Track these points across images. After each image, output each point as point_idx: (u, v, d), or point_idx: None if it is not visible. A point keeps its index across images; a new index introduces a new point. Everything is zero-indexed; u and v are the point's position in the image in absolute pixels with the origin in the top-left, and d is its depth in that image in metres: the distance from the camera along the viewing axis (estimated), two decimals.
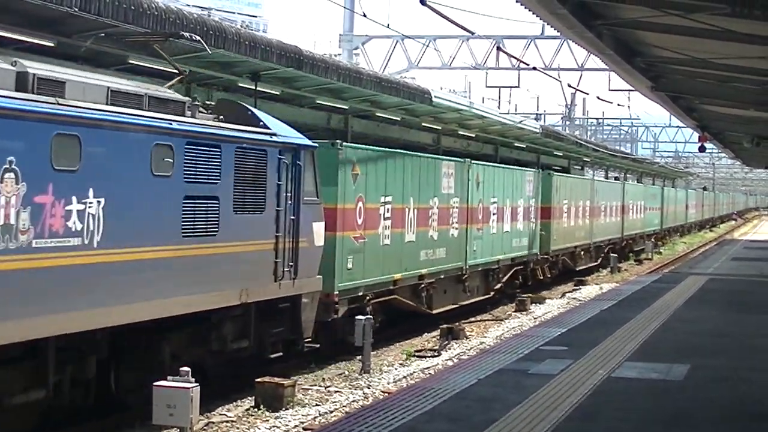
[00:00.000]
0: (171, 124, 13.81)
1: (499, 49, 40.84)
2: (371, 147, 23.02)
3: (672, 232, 72.37)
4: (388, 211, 22.69)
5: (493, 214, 30.63)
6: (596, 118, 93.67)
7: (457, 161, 27.91)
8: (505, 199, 32.02)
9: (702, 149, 43.38)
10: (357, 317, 19.70)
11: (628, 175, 78.10)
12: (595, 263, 46.02)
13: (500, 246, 31.32)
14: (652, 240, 60.38)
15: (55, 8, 14.81)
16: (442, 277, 26.30)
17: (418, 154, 25.69)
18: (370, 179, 21.87)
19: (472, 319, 28.53)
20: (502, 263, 31.55)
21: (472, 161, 29.05)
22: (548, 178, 37.40)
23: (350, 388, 17.79)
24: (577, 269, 41.92)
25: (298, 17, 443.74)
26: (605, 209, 48.66)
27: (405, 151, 25.26)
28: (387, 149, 24.26)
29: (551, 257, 37.27)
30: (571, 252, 41.03)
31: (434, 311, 25.83)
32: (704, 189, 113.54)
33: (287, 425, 14.97)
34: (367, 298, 21.65)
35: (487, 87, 57.68)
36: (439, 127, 34.67)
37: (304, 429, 14.73)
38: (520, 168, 36.03)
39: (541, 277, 36.62)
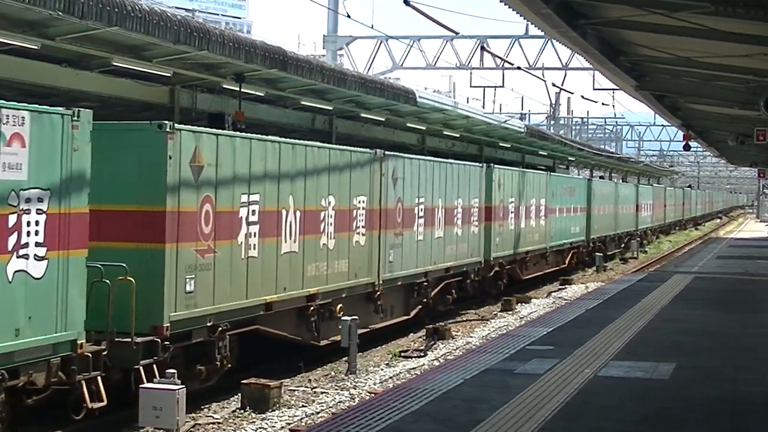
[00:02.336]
0: None
1: (483, 48, 40.91)
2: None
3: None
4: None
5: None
6: (581, 117, 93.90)
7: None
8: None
9: (687, 148, 43.52)
10: (343, 318, 19.68)
11: (613, 174, 78.23)
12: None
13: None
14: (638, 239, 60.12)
15: (38, 11, 14.77)
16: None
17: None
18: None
19: (458, 319, 28.55)
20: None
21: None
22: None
23: (336, 389, 17.78)
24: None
25: (282, 18, 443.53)
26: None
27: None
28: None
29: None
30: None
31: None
32: (689, 187, 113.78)
33: (274, 426, 14.96)
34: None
35: (471, 87, 57.88)
36: (424, 128, 34.69)
37: (290, 430, 14.72)
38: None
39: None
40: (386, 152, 23.63)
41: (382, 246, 23.08)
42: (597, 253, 47.40)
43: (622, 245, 56.44)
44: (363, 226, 22.11)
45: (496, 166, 32.23)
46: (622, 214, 56.69)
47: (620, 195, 56.52)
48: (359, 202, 22.06)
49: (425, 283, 25.77)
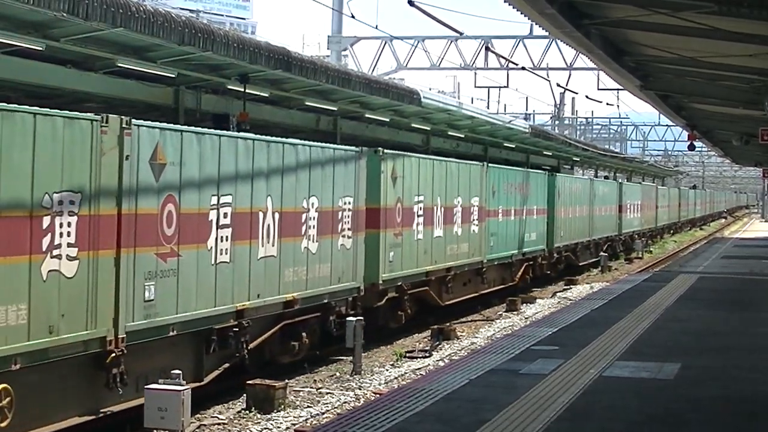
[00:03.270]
0: None
1: (487, 49, 40.92)
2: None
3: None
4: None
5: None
6: (585, 118, 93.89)
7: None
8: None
9: (691, 148, 43.48)
10: (348, 318, 19.70)
11: (618, 175, 78.18)
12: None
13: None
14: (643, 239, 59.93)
15: (43, 12, 14.79)
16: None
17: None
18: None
19: (463, 319, 28.56)
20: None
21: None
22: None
23: (341, 390, 17.79)
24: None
25: (286, 19, 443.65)
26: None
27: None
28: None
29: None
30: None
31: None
32: (693, 187, 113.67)
33: (279, 427, 14.97)
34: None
35: (475, 87, 57.85)
36: (429, 128, 34.69)
37: (295, 431, 14.73)
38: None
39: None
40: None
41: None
42: (602, 254, 47.40)
43: (602, 252, 48.66)
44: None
45: (387, 151, 23.67)
46: (600, 216, 48.85)
47: (597, 194, 48.49)
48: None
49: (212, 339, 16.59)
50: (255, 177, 17.40)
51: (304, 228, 19.33)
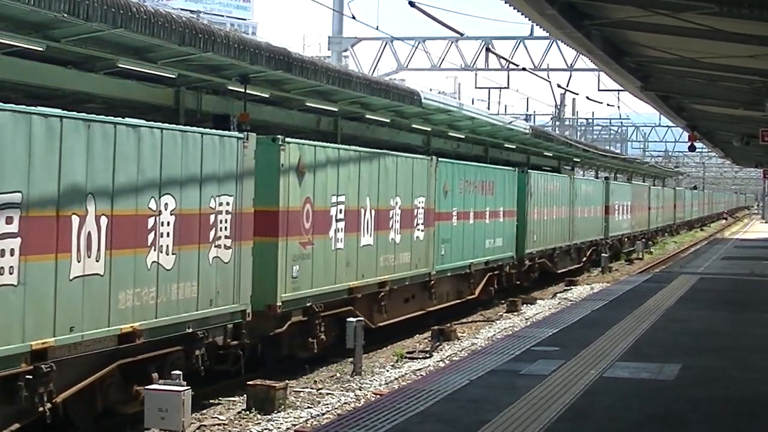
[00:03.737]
0: None
1: (488, 50, 40.90)
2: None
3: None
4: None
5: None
6: (586, 119, 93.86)
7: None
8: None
9: (692, 149, 43.47)
10: (348, 319, 19.70)
11: (618, 175, 78.18)
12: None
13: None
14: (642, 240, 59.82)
15: (44, 13, 14.79)
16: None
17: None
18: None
19: (464, 320, 28.57)
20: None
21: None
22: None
23: (342, 390, 17.80)
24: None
25: (287, 19, 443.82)
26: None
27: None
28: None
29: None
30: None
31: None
32: (694, 188, 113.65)
33: (279, 428, 14.98)
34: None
35: (476, 88, 57.82)
36: (429, 129, 34.69)
37: (296, 431, 14.73)
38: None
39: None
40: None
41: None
42: (603, 254, 47.39)
43: (584, 258, 45.38)
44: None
45: (291, 139, 19.38)
46: (582, 218, 44.69)
47: (580, 193, 44.50)
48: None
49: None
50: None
51: (151, 237, 15.02)
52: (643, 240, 49.03)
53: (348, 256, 21.32)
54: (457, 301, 28.80)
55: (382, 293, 23.08)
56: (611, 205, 51.31)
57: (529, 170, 37.18)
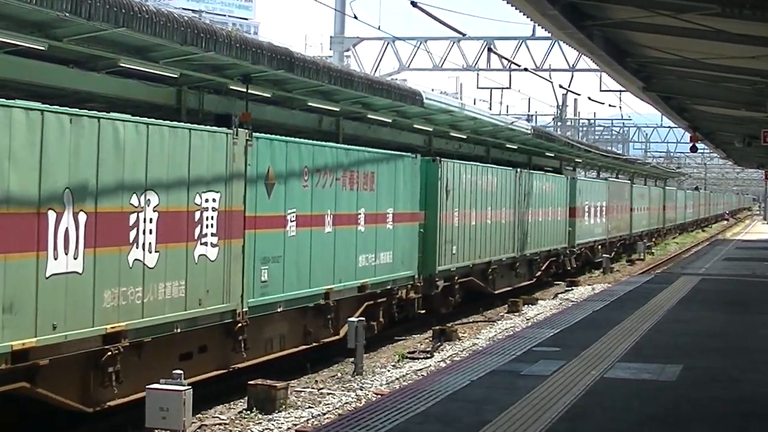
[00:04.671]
0: None
1: (490, 50, 40.88)
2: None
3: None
4: None
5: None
6: (588, 119, 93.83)
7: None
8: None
9: (694, 149, 43.47)
10: (349, 319, 19.70)
11: (620, 176, 78.12)
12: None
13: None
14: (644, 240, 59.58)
15: (45, 12, 14.79)
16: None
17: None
18: None
19: (465, 320, 28.56)
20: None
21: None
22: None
23: (343, 390, 17.80)
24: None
25: (289, 19, 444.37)
26: None
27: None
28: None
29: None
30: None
31: None
32: (696, 189, 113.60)
33: (280, 427, 14.98)
34: None
35: (478, 88, 57.59)
36: (431, 129, 34.68)
37: (297, 431, 14.73)
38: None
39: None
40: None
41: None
42: (604, 255, 47.33)
43: (539, 273, 37.43)
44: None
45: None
46: (537, 222, 36.71)
47: (533, 192, 36.43)
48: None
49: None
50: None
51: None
52: (605, 257, 44.09)
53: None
54: (303, 347, 20.26)
55: (116, 355, 14.32)
56: (579, 206, 43.79)
57: (441, 159, 27.65)
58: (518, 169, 35.69)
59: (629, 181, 65.66)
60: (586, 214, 45.35)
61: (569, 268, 41.61)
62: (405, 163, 25.19)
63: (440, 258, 26.92)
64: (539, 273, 37.47)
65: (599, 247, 48.66)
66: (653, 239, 67.36)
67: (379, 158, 24.00)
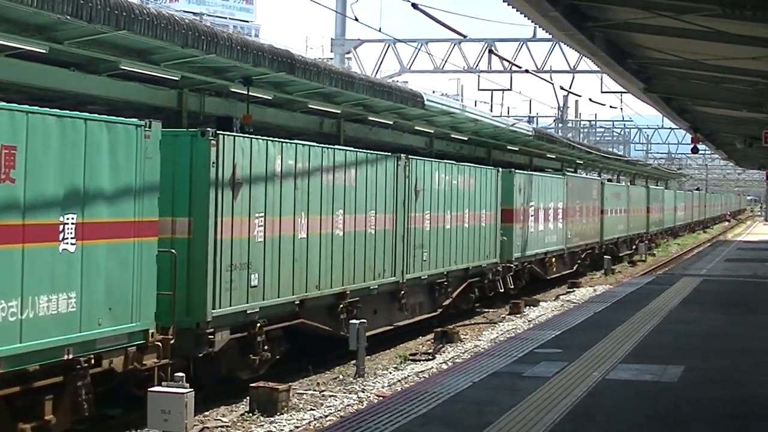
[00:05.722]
0: None
1: (491, 51, 40.88)
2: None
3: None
4: None
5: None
6: (589, 120, 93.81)
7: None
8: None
9: (695, 150, 43.45)
10: (351, 321, 19.70)
11: (621, 177, 78.10)
12: None
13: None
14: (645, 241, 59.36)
15: (47, 15, 14.79)
16: None
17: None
18: None
19: (467, 322, 28.54)
20: None
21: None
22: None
23: (345, 392, 17.79)
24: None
25: (289, 22, 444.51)
26: None
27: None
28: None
29: None
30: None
31: None
32: (697, 189, 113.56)
33: (282, 430, 14.97)
34: None
35: (479, 90, 57.88)
36: (432, 131, 34.68)
37: None
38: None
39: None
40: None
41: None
42: (605, 256, 47.28)
43: (447, 302, 27.16)
44: None
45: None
46: (444, 230, 27.00)
47: (433, 188, 26.29)
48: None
49: None
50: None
51: None
52: (607, 258, 41.40)
53: None
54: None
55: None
56: (519, 208, 34.22)
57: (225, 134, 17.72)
58: (408, 160, 24.82)
59: (598, 178, 57.62)
60: (533, 218, 35.97)
61: (502, 290, 31.87)
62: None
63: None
64: (447, 302, 27.51)
65: (553, 260, 39.05)
66: (634, 245, 57.72)
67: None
